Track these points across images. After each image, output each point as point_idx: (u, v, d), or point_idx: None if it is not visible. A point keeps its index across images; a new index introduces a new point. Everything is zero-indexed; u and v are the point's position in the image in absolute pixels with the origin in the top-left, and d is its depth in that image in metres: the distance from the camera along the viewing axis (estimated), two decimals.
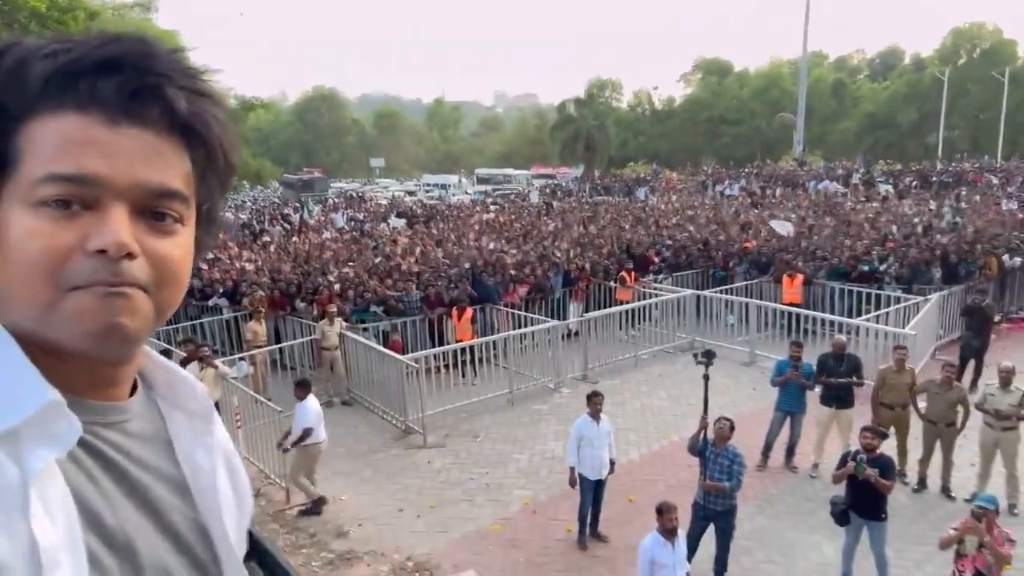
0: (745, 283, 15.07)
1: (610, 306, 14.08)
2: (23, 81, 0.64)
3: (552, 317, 13.45)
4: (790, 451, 8.97)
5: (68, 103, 0.64)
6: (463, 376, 11.60)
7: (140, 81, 0.65)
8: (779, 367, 8.99)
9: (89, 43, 0.65)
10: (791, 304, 13.64)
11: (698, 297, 14.14)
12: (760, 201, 27.46)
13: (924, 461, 8.31)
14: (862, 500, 6.49)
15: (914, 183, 31.34)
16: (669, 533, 5.67)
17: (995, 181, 30.15)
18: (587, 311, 13.94)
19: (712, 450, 6.72)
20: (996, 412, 7.73)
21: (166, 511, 0.73)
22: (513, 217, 25.46)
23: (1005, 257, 14.52)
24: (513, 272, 14.38)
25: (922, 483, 8.33)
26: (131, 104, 0.65)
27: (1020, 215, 18.91)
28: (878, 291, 13.78)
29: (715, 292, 14.51)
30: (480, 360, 11.82)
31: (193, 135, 0.68)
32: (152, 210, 0.67)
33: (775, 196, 29.67)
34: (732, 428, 6.82)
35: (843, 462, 6.62)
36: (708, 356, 6.89)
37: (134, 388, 0.77)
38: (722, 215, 22.69)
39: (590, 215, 24.69)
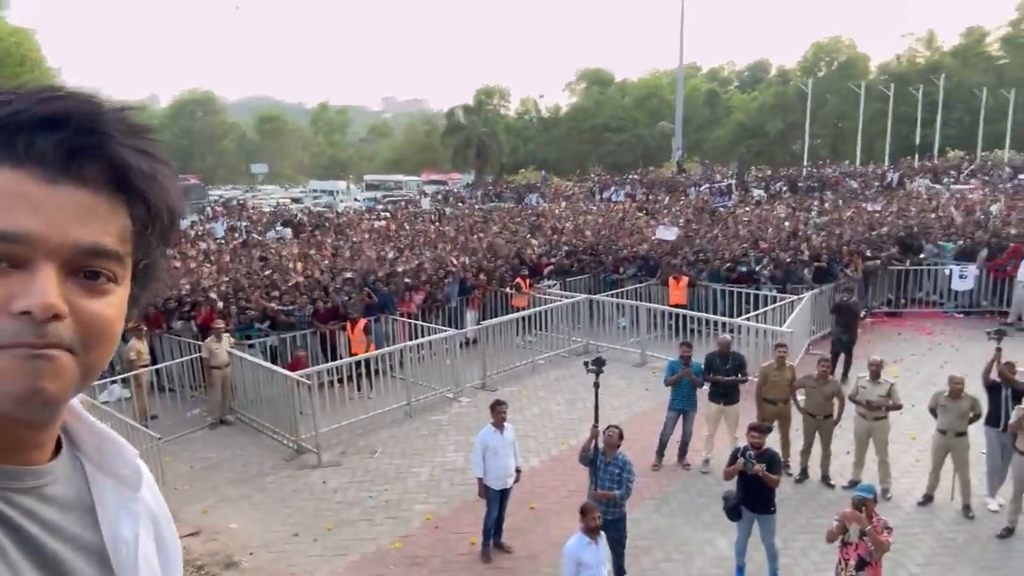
0: (634, 286, 15.53)
1: (506, 313, 14.13)
2: None
3: (449, 326, 13.33)
4: (683, 449, 9.26)
5: (3, 158, 0.62)
6: (358, 390, 11.27)
7: (82, 139, 0.64)
8: (671, 367, 9.28)
9: (32, 97, 0.64)
10: (677, 306, 14.18)
11: (591, 301, 14.43)
12: (646, 206, 28.45)
13: (805, 452, 8.79)
14: (752, 495, 6.77)
15: (784, 188, 33.47)
16: (593, 532, 5.72)
17: (855, 185, 32.68)
18: (484, 319, 13.91)
19: (603, 459, 6.78)
20: (868, 403, 8.30)
21: None
22: (405, 224, 25.14)
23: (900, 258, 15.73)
24: (408, 280, 14.15)
25: (804, 474, 8.81)
26: (70, 162, 0.63)
27: (880, 216, 20.54)
28: (756, 291, 14.55)
29: (607, 296, 14.86)
30: (376, 372, 11.53)
31: (133, 193, 0.67)
32: (85, 269, 0.65)
33: (658, 201, 30.85)
34: (621, 436, 6.91)
35: (733, 459, 6.88)
36: (598, 364, 6.94)
37: (58, 448, 0.74)
38: (611, 220, 23.33)
39: (483, 221, 24.75)
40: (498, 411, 7.46)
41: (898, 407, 8.43)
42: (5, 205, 0.61)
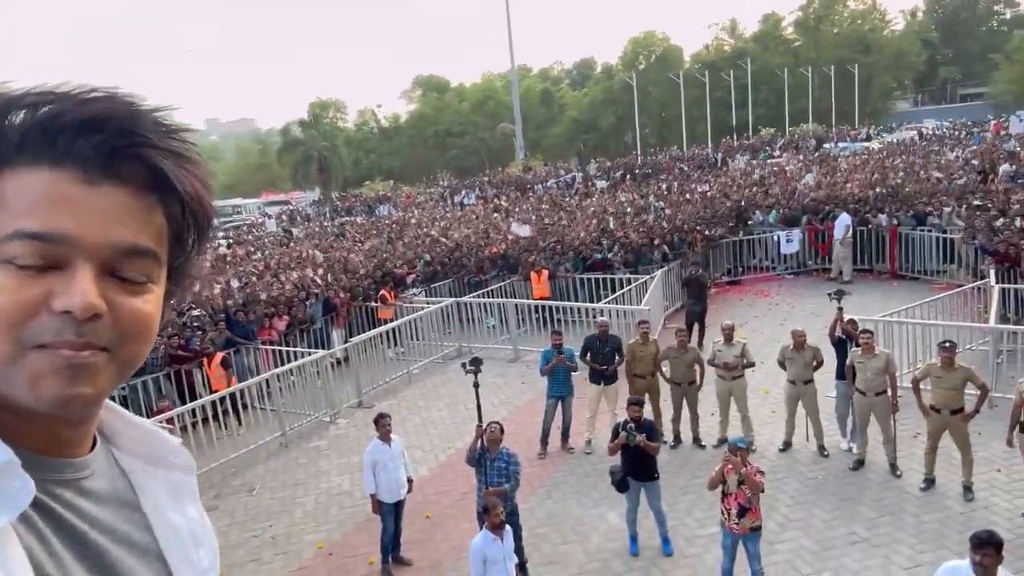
0: (499, 285, 15.78)
1: (374, 327, 13.88)
2: (0, 132, 0.64)
3: (317, 347, 12.89)
4: (565, 434, 9.55)
5: (44, 158, 0.63)
6: (225, 428, 10.64)
7: (120, 141, 0.65)
8: (545, 356, 9.53)
9: (72, 99, 0.64)
10: (541, 298, 14.59)
11: (458, 305, 14.50)
12: (500, 207, 28.97)
13: (675, 420, 9.35)
14: (636, 465, 7.11)
15: (624, 176, 35.26)
16: (497, 528, 5.77)
17: (685, 168, 35.02)
18: (351, 335, 13.59)
19: (488, 456, 6.86)
20: (725, 365, 8.96)
21: (121, 575, 0.71)
22: (252, 249, 24.02)
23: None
24: (272, 309, 13.51)
25: (677, 439, 9.37)
26: (109, 163, 0.65)
27: (712, 194, 22.15)
28: (611, 276, 15.25)
29: (473, 297, 15.00)
30: (244, 407, 10.94)
31: (169, 193, 0.68)
32: (122, 267, 0.66)
33: (510, 200, 31.51)
34: (502, 431, 7.02)
35: (615, 434, 7.19)
36: (476, 364, 7.02)
37: (93, 444, 0.75)
38: (467, 223, 23.54)
39: (337, 236, 24.15)
40: (383, 424, 7.34)
41: (752, 364, 9.16)
42: (45, 207, 0.63)
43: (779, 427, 9.15)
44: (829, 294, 9.36)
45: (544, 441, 9.46)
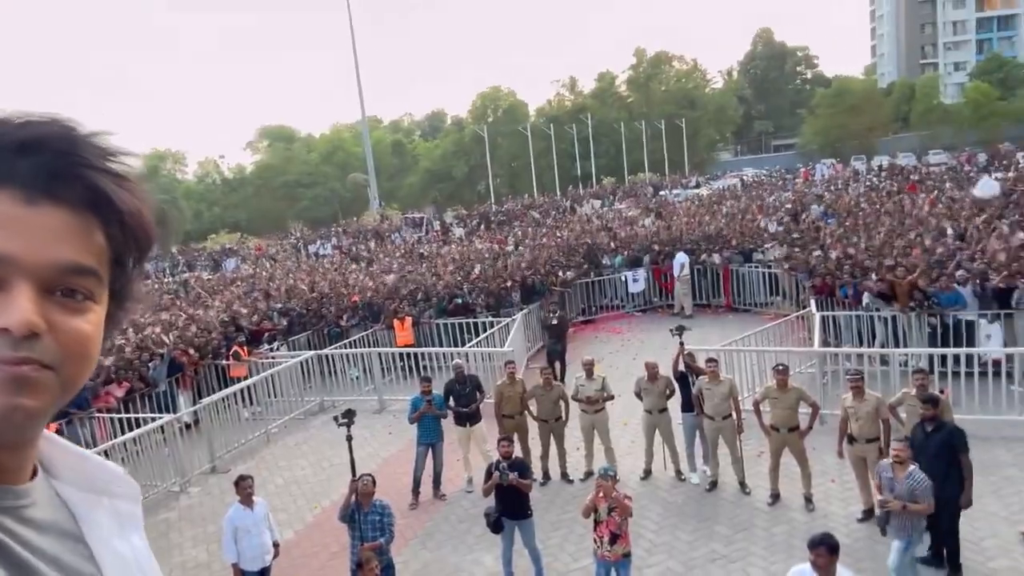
0: (361, 334, 15.48)
1: (226, 386, 13.11)
2: None
3: (162, 412, 11.96)
4: (436, 480, 9.46)
5: None
6: None
7: (60, 161, 0.66)
8: (414, 404, 9.45)
9: (9, 122, 0.66)
10: (405, 346, 14.48)
11: (319, 357, 14.06)
12: (360, 256, 28.54)
13: (544, 456, 9.55)
14: (509, 504, 7.18)
15: (479, 224, 36.00)
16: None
17: (537, 216, 36.34)
18: (200, 397, 12.74)
19: (361, 510, 6.69)
20: (588, 399, 9.31)
21: None
22: None
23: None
24: (111, 373, 12.40)
25: (546, 476, 9.56)
26: (48, 184, 0.65)
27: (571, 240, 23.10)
28: (473, 320, 15.45)
29: (334, 349, 14.60)
30: None
31: (109, 213, 0.69)
32: (63, 287, 0.66)
33: (368, 250, 31.16)
34: (374, 483, 6.89)
35: (488, 474, 7.24)
36: (348, 416, 6.78)
37: (33, 474, 0.73)
38: (325, 274, 22.97)
39: (174, 294, 22.72)
40: (243, 487, 6.94)
41: (611, 397, 9.58)
42: None
43: (639, 456, 9.59)
44: (671, 330, 9.96)
45: (416, 490, 9.32)
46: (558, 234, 24.74)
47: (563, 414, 9.46)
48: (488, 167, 58.28)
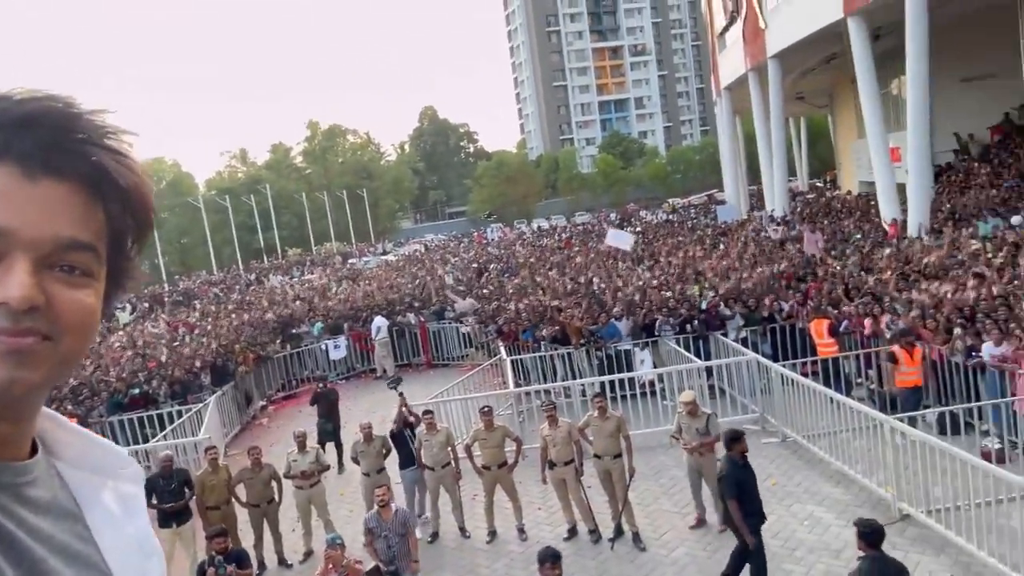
0: None
1: None
2: None
3: None
4: None
5: None
6: None
7: (61, 137, 0.66)
8: None
9: (9, 98, 0.66)
10: None
11: None
12: None
13: (258, 544, 8.88)
14: None
15: (151, 306, 32.53)
16: None
17: (219, 292, 34.06)
18: None
19: None
20: (302, 473, 8.93)
21: None
22: None
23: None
24: None
25: (261, 565, 8.89)
26: (49, 159, 0.66)
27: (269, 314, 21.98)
28: (157, 411, 13.87)
29: None
30: None
31: (110, 190, 0.70)
32: (62, 263, 0.67)
33: None
34: None
35: (202, 573, 6.55)
36: None
37: (33, 452, 0.73)
38: None
39: None
40: None
41: (327, 468, 9.34)
42: None
43: (358, 525, 9.40)
44: (388, 383, 10.13)
45: None
46: (247, 308, 23.51)
47: (275, 495, 8.95)
48: (156, 245, 53.19)
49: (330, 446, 11.82)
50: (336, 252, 48.31)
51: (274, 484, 8.94)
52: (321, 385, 12.84)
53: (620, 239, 23.35)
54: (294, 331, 18.96)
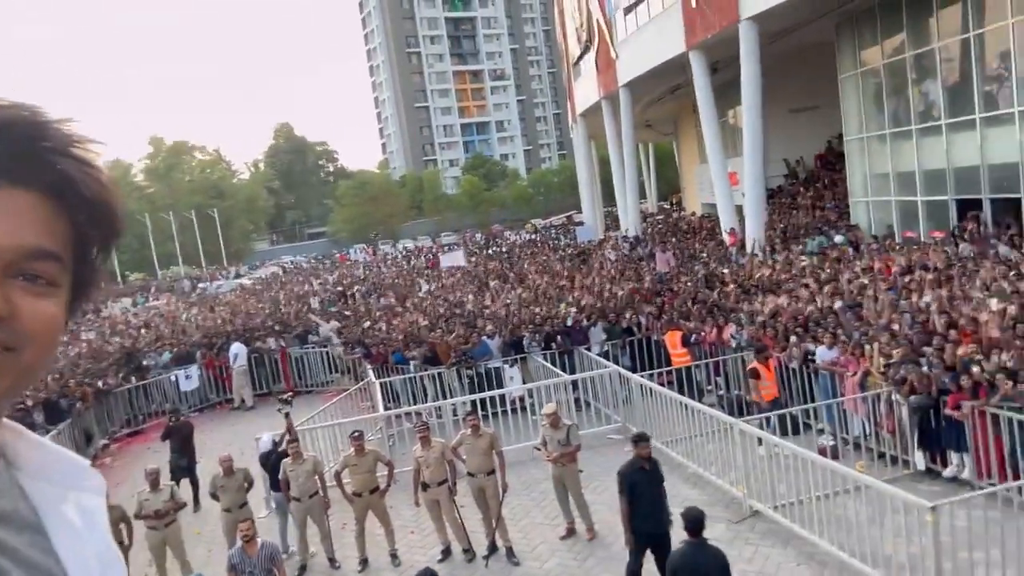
0: None
1: None
2: None
3: None
4: None
5: None
6: None
7: (26, 146, 0.66)
8: None
9: None
10: None
11: None
12: None
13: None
14: None
15: None
16: None
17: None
18: None
19: None
20: (156, 512, 8.30)
21: None
22: None
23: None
24: None
25: None
26: (14, 167, 0.65)
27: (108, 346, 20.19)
28: None
29: None
30: None
31: (75, 199, 0.69)
32: (27, 271, 0.67)
33: None
34: None
35: None
36: None
37: None
38: None
39: None
40: None
41: (183, 505, 8.73)
42: None
43: (218, 566, 8.86)
44: (278, 401, 9.74)
45: None
46: (83, 338, 21.57)
47: (125, 538, 8.23)
48: None
49: (185, 483, 11.06)
50: (184, 276, 45.39)
51: (123, 527, 8.22)
52: (173, 418, 12.06)
53: (453, 259, 24.29)
54: (144, 362, 17.57)
